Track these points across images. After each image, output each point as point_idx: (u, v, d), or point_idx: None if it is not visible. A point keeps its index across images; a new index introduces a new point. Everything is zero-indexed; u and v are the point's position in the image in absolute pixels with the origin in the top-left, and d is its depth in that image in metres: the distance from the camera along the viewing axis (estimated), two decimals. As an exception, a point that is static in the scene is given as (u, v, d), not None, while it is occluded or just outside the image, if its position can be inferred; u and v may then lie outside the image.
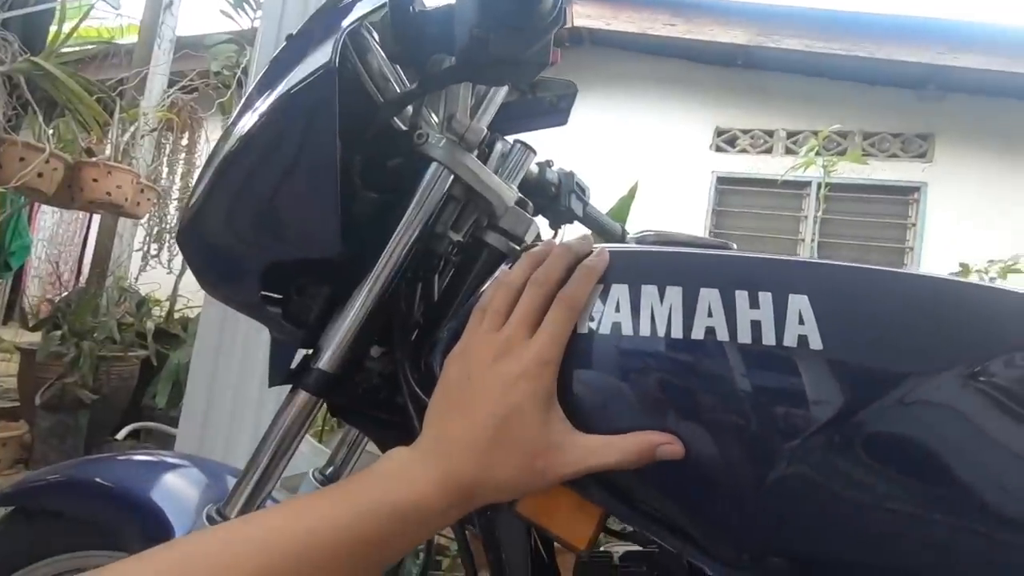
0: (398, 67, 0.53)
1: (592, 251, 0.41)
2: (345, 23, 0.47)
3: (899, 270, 0.40)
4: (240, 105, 0.52)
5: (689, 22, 3.66)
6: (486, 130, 0.49)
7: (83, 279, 3.19)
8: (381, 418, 0.53)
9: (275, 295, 0.50)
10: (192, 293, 2.77)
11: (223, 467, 0.68)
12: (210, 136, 2.77)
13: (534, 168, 0.67)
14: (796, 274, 0.38)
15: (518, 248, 0.52)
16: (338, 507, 0.34)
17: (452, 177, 0.49)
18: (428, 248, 0.51)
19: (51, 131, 2.04)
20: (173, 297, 2.76)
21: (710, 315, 0.37)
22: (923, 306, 0.38)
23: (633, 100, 4.00)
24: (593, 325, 0.39)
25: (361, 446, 0.65)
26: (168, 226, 2.89)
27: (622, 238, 0.73)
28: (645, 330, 0.38)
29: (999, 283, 2.08)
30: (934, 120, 3.55)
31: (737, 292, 0.37)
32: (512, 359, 0.37)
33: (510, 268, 0.43)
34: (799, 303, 0.37)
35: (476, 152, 0.50)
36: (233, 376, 1.32)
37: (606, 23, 3.80)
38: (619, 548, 0.53)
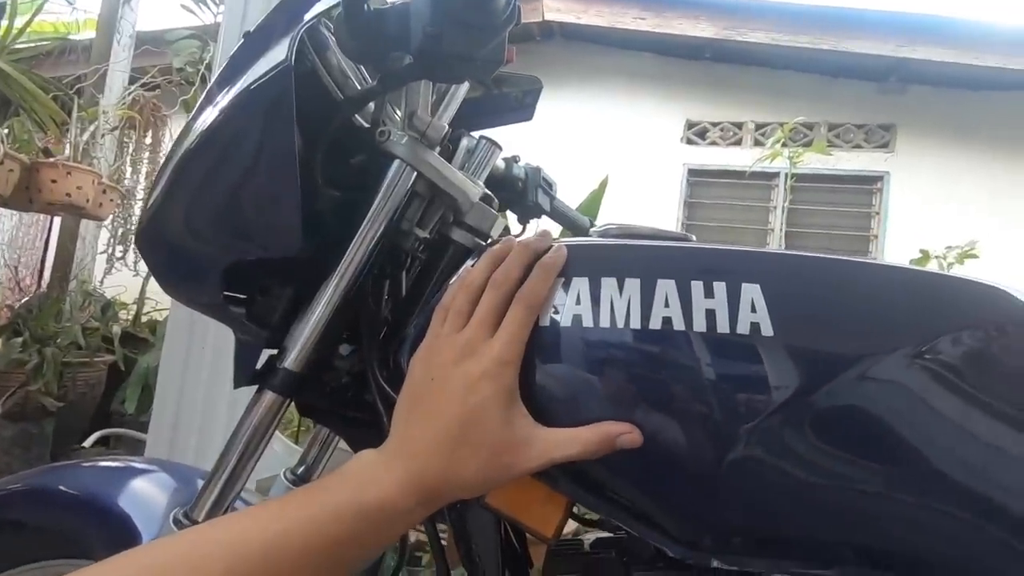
0: (359, 65, 0.53)
1: (550, 248, 0.42)
2: (303, 20, 0.47)
3: (847, 258, 0.42)
4: (200, 102, 0.51)
5: (658, 16, 3.69)
6: (448, 127, 0.50)
7: (45, 284, 3.09)
8: (351, 416, 0.53)
9: (238, 295, 0.50)
10: (160, 295, 2.71)
11: (193, 470, 0.67)
12: (174, 134, 2.70)
13: (500, 164, 0.68)
14: (748, 264, 0.40)
15: (484, 244, 0.53)
16: (306, 509, 0.35)
17: (415, 174, 0.49)
18: (394, 245, 0.51)
19: (5, 131, 1.97)
20: (140, 300, 2.69)
21: (667, 305, 0.38)
22: (870, 292, 0.40)
23: (605, 94, 4.02)
24: (555, 318, 0.40)
25: (333, 445, 0.65)
26: (132, 227, 2.81)
27: (588, 232, 0.74)
28: (605, 321, 0.39)
29: (956, 268, 2.16)
30: (895, 111, 3.66)
31: (693, 282, 0.39)
32: (473, 360, 0.38)
33: (473, 265, 0.44)
34: (751, 292, 0.38)
35: (439, 149, 0.50)
36: (204, 378, 1.30)
37: (576, 17, 3.81)
38: (590, 536, 0.54)
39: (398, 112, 0.54)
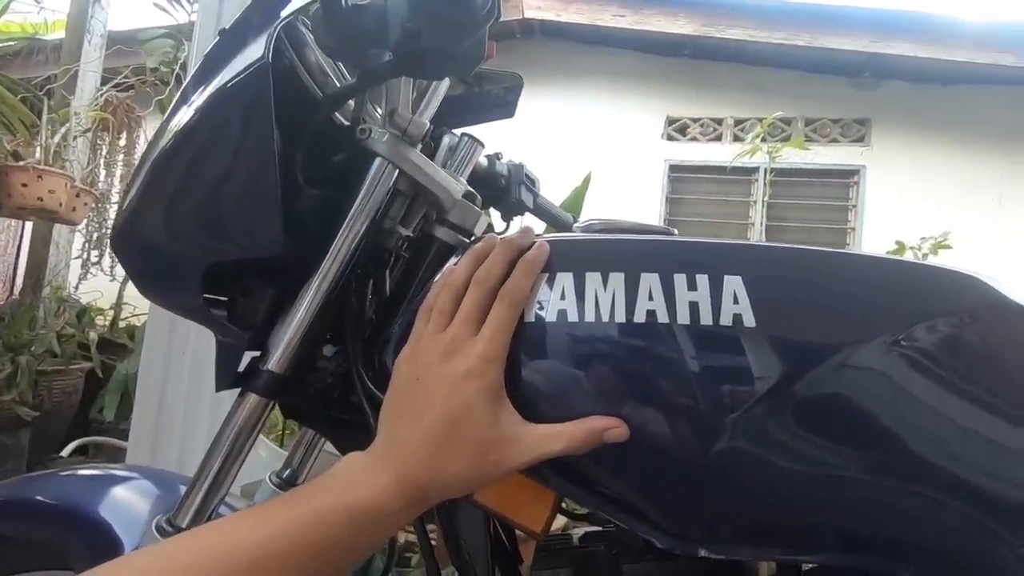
0: (338, 62, 0.53)
1: (533, 244, 0.42)
2: (279, 17, 0.46)
3: (827, 249, 0.42)
4: (175, 101, 0.50)
5: (637, 13, 3.72)
6: (429, 124, 0.49)
7: (17, 291, 3.01)
8: (337, 418, 0.53)
9: (219, 297, 0.49)
10: (138, 300, 2.66)
11: (175, 476, 0.66)
12: (149, 136, 2.64)
13: (483, 161, 0.67)
14: (730, 256, 0.40)
15: (468, 241, 0.53)
16: (293, 513, 0.34)
17: (397, 172, 0.49)
18: (377, 244, 0.50)
19: (-28, 134, 1.92)
20: (117, 305, 2.64)
21: (651, 299, 0.38)
22: (849, 281, 0.41)
23: (585, 91, 4.03)
24: (540, 313, 0.40)
25: (318, 447, 0.65)
26: (108, 231, 2.75)
27: (571, 228, 0.75)
28: (590, 316, 0.39)
29: (931, 258, 2.21)
30: (870, 106, 3.72)
31: (676, 275, 0.39)
32: (458, 358, 0.38)
33: (456, 264, 0.44)
34: (734, 284, 0.38)
35: (420, 146, 0.50)
36: (184, 383, 1.28)
37: (556, 14, 3.82)
38: (579, 530, 0.55)
39: (379, 110, 0.53)
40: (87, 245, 2.76)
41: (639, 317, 0.38)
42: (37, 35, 2.77)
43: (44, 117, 2.18)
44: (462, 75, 0.53)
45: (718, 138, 3.91)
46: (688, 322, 0.38)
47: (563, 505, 0.52)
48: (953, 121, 3.59)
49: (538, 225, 0.75)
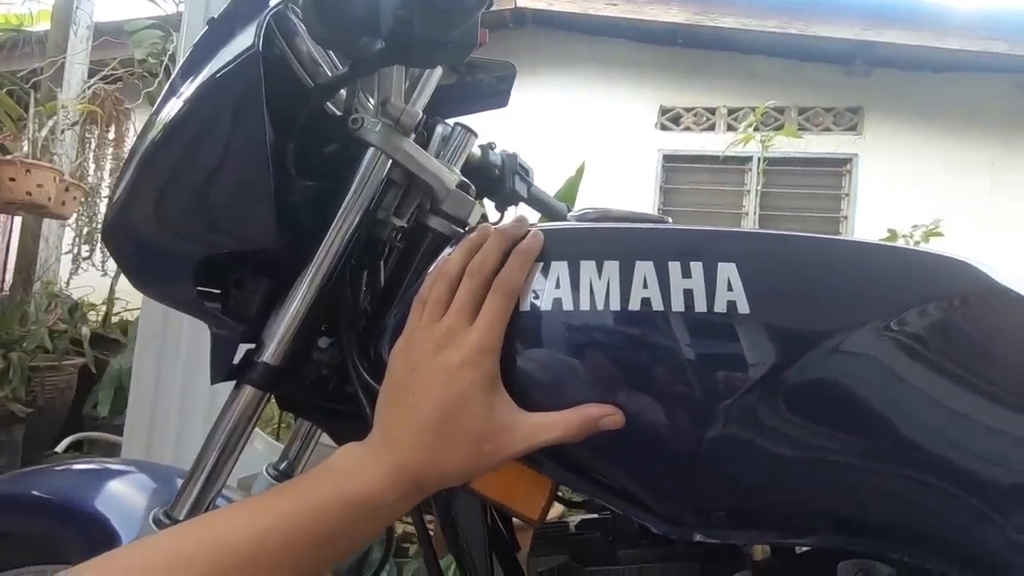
0: (329, 51, 0.52)
1: (527, 234, 0.42)
2: (269, 5, 0.46)
3: (820, 236, 0.43)
4: (164, 92, 0.50)
5: (630, 2, 3.69)
6: (422, 113, 0.49)
7: (7, 286, 2.99)
8: (333, 409, 0.53)
9: (212, 290, 0.49)
10: (130, 295, 2.64)
11: (172, 470, 0.66)
12: (138, 128, 2.61)
13: (476, 151, 0.67)
14: (724, 243, 0.40)
15: (462, 231, 0.53)
16: (289, 504, 0.35)
17: (390, 162, 0.48)
18: (371, 234, 0.50)
19: (-43, 128, 1.89)
20: (110, 300, 2.62)
21: (645, 286, 0.39)
22: (842, 267, 0.41)
23: (578, 81, 4.01)
24: (535, 302, 0.40)
25: (314, 439, 0.65)
26: (98, 226, 2.72)
27: (566, 218, 0.75)
28: (585, 304, 0.39)
29: (922, 246, 2.22)
30: (862, 94, 3.73)
31: (670, 263, 0.39)
32: (453, 349, 0.38)
33: (450, 254, 0.44)
34: (728, 271, 0.39)
35: (414, 135, 0.50)
36: (179, 377, 1.27)
37: (548, 3, 3.79)
38: (575, 518, 0.55)
39: (371, 99, 0.53)
40: (77, 240, 2.74)
41: (634, 305, 0.39)
42: (22, 27, 2.72)
43: (31, 110, 2.15)
44: (455, 63, 0.53)
45: (711, 127, 3.90)
46: (683, 309, 0.38)
47: (559, 493, 0.53)
48: (945, 109, 3.60)
49: (532, 215, 0.74)
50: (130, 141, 2.65)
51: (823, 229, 3.65)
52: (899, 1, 3.48)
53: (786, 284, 0.40)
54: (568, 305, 0.39)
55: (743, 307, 0.38)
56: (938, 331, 0.39)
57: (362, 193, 0.48)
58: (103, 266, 2.76)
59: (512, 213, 0.73)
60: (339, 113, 0.50)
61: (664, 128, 3.97)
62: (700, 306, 0.38)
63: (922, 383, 0.39)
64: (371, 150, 0.48)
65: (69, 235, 2.78)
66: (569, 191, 1.73)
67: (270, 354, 0.46)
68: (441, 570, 0.54)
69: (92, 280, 2.71)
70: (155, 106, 0.49)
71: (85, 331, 2.34)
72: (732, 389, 0.38)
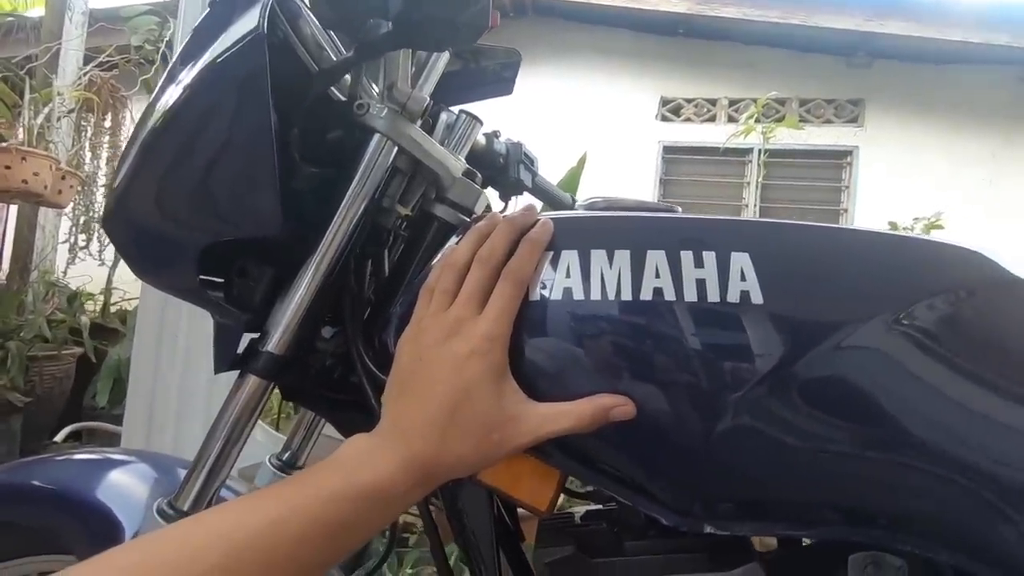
0: (333, 34, 0.51)
1: (536, 222, 0.41)
2: (272, -13, 0.45)
3: (832, 226, 0.42)
4: (163, 78, 0.49)
5: (631, -9, 3.66)
6: (429, 99, 0.48)
7: (4, 275, 2.97)
8: (337, 399, 0.52)
9: (215, 279, 0.48)
10: (128, 285, 2.62)
11: (173, 460, 0.65)
12: (135, 116, 2.58)
13: (481, 139, 0.66)
14: (738, 233, 0.40)
15: (468, 220, 0.52)
16: (301, 495, 0.34)
17: (396, 149, 0.48)
18: (376, 223, 0.49)
19: (-48, 115, 1.87)
20: (108, 290, 2.61)
21: (657, 276, 0.38)
22: (855, 258, 0.41)
23: (579, 71, 3.98)
24: (545, 292, 0.39)
25: (318, 429, 0.64)
26: (96, 215, 2.70)
27: (571, 208, 0.74)
28: (596, 294, 0.38)
29: (932, 235, 2.22)
30: (864, 86, 3.71)
31: (683, 252, 0.38)
32: (461, 338, 0.38)
33: (458, 242, 0.43)
34: (741, 260, 0.38)
35: (420, 122, 0.49)
36: (178, 367, 1.27)
37: (549, -8, 3.75)
38: (581, 509, 0.55)
39: (376, 85, 0.52)
40: (74, 229, 2.72)
41: (645, 295, 0.38)
42: (16, 12, 2.68)
43: (26, 97, 2.13)
44: (465, 45, 0.52)
45: (712, 119, 3.88)
46: (695, 299, 0.38)
47: (583, 490, 0.52)
48: (946, 101, 3.59)
49: (536, 204, 0.74)
50: (127, 129, 2.62)
51: (823, 221, 3.64)
52: (901, -8, 3.46)
53: (800, 274, 0.39)
54: (579, 295, 0.39)
55: (756, 297, 0.37)
56: (949, 323, 0.39)
57: (367, 180, 0.47)
58: (100, 256, 2.74)
59: (516, 202, 0.73)
60: (344, 98, 0.49)
61: (665, 119, 3.95)
62: (713, 296, 0.38)
63: (933, 376, 0.38)
64: (376, 136, 0.47)
65: (66, 224, 2.76)
66: (571, 181, 1.72)
67: (274, 343, 0.45)
68: (447, 559, 0.53)
69: (89, 269, 2.70)
70: (155, 91, 0.48)
71: (84, 320, 2.33)
72: (743, 380, 0.38)
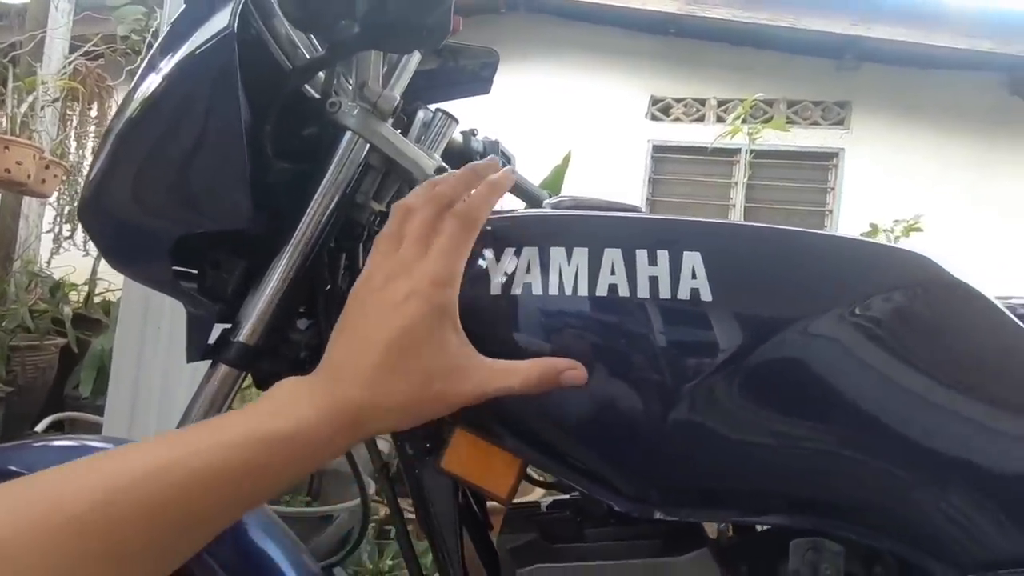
0: (308, 34, 0.52)
1: (497, 170, 0.40)
2: (246, -15, 0.46)
3: (783, 227, 0.44)
4: (142, 69, 0.49)
5: (623, -11, 3.67)
6: (399, 98, 0.49)
7: (-14, 265, 2.94)
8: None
9: (189, 270, 0.49)
10: (113, 276, 2.61)
11: (150, 449, 0.66)
12: (122, 106, 2.56)
13: (458, 137, 0.67)
14: (690, 233, 0.41)
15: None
16: (202, 439, 0.31)
17: (368, 146, 0.49)
18: (350, 218, 0.51)
19: (-67, 102, 1.85)
20: (92, 280, 2.59)
21: (613, 273, 0.40)
22: (803, 258, 0.43)
23: (570, 68, 4.00)
24: (505, 286, 0.41)
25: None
26: (81, 205, 2.67)
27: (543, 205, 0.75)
28: (554, 289, 0.40)
29: (903, 240, 2.26)
30: (851, 89, 3.75)
31: (637, 251, 0.40)
32: (402, 279, 0.35)
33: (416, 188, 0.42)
34: (693, 259, 0.40)
35: (392, 120, 0.50)
36: (161, 358, 1.27)
37: (541, -11, 3.76)
38: (548, 499, 0.57)
39: (350, 83, 0.53)
40: (58, 219, 2.70)
41: (601, 291, 0.40)
42: (0, -1, 2.65)
43: (9, 85, 2.11)
44: (429, 48, 0.53)
45: (701, 119, 3.91)
46: (648, 296, 0.39)
47: (535, 475, 0.54)
48: (931, 105, 3.64)
49: (514, 202, 0.75)
50: (113, 119, 2.59)
51: (808, 223, 3.69)
52: (889, -3, 3.50)
53: (749, 273, 0.41)
54: (537, 290, 0.40)
55: (706, 295, 0.39)
56: (891, 321, 0.41)
57: (339, 176, 0.48)
58: (85, 246, 2.72)
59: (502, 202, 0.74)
60: (317, 96, 0.50)
61: (655, 118, 3.97)
62: (665, 293, 0.39)
63: (873, 371, 0.40)
64: (348, 134, 0.48)
65: (50, 214, 2.74)
66: (555, 179, 1.74)
67: (245, 334, 0.47)
68: (415, 554, 0.55)
69: (73, 260, 2.68)
70: (133, 83, 0.49)
71: (67, 311, 2.31)
72: (695, 373, 0.40)
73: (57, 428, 1.90)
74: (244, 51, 0.43)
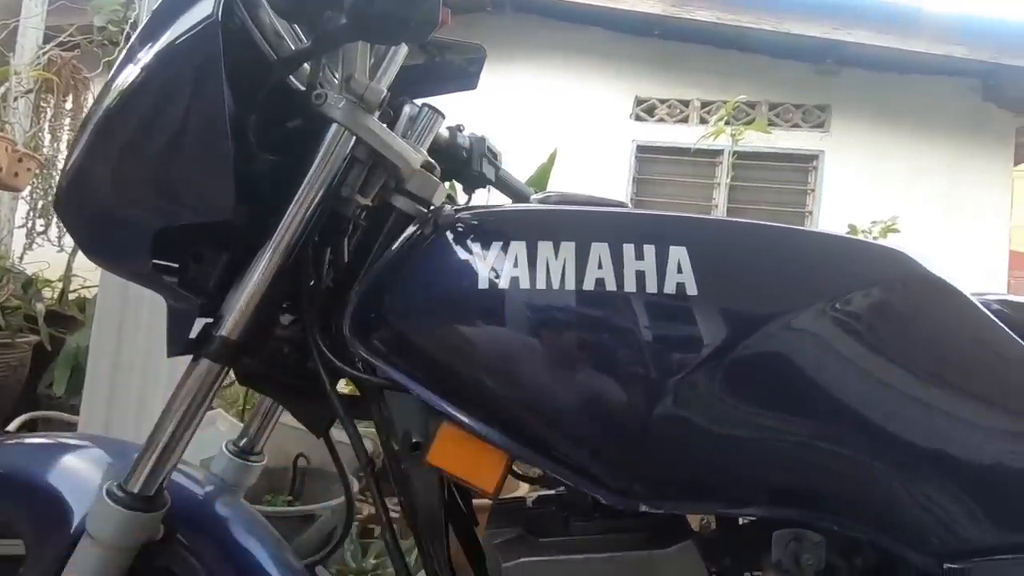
0: (294, 24, 0.51)
1: None
2: (231, -26, 0.45)
3: (768, 223, 0.45)
4: (121, 59, 0.48)
5: (609, -10, 3.69)
6: (386, 90, 0.49)
7: (-44, 260, 2.85)
8: (293, 385, 0.53)
9: (170, 264, 0.48)
10: (89, 272, 2.55)
11: (129, 445, 0.65)
12: (99, 99, 2.49)
13: (445, 133, 0.67)
14: (677, 228, 0.42)
15: (425, 211, 0.53)
16: None
17: (354, 139, 0.48)
18: (335, 212, 0.50)
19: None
20: (67, 277, 2.52)
21: (600, 267, 0.40)
22: (787, 254, 0.43)
23: (556, 68, 4.00)
24: (494, 280, 0.41)
25: (275, 416, 0.65)
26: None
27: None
28: (541, 283, 0.40)
29: (880, 241, 2.30)
30: (831, 92, 3.82)
31: (625, 245, 0.40)
32: None
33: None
34: (679, 254, 0.40)
35: (378, 113, 0.50)
36: (139, 355, 1.24)
37: (527, -12, 3.76)
38: (533, 494, 0.57)
39: (336, 75, 0.53)
40: (32, 214, 2.62)
41: (588, 285, 0.40)
42: (-29, -14, 2.57)
43: (-20, 75, 2.05)
44: (417, 40, 0.53)
45: (685, 120, 3.95)
46: (634, 290, 0.40)
47: (529, 473, 0.54)
48: (909, 110, 3.72)
49: (500, 199, 0.75)
50: (89, 112, 2.53)
51: (788, 223, 3.74)
52: (868, 2, 3.57)
53: (734, 268, 0.41)
54: (525, 284, 0.40)
55: (691, 289, 0.40)
56: (872, 315, 0.42)
57: (324, 169, 0.47)
58: (60, 242, 2.65)
59: (480, 196, 0.74)
60: (302, 88, 0.49)
61: (639, 119, 4.00)
62: (651, 287, 0.40)
63: (856, 365, 0.41)
64: (334, 126, 0.47)
65: (23, 208, 2.66)
66: (541, 178, 1.74)
67: (228, 328, 0.46)
68: (401, 550, 0.55)
69: (47, 256, 2.61)
70: (112, 72, 0.48)
71: (40, 307, 2.25)
72: (680, 367, 0.40)
73: (30, 427, 1.85)
74: (228, 41, 0.42)
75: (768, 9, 3.54)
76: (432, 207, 0.53)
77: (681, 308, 0.40)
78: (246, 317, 0.46)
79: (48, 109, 2.45)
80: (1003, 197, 3.62)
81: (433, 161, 0.56)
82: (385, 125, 0.51)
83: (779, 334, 0.40)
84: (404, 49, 0.53)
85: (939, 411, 0.42)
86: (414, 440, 0.47)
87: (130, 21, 2.20)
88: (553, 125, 3.70)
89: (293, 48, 0.49)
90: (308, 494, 1.39)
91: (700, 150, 3.22)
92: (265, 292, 0.47)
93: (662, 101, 3.99)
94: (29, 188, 2.45)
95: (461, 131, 0.70)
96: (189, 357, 0.47)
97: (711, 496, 0.44)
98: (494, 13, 3.97)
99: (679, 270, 0.40)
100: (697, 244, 0.41)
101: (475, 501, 0.60)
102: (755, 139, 2.90)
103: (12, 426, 1.63)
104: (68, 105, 2.50)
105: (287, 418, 0.61)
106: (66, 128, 2.52)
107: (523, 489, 1.07)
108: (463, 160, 0.69)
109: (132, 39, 0.49)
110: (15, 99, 2.13)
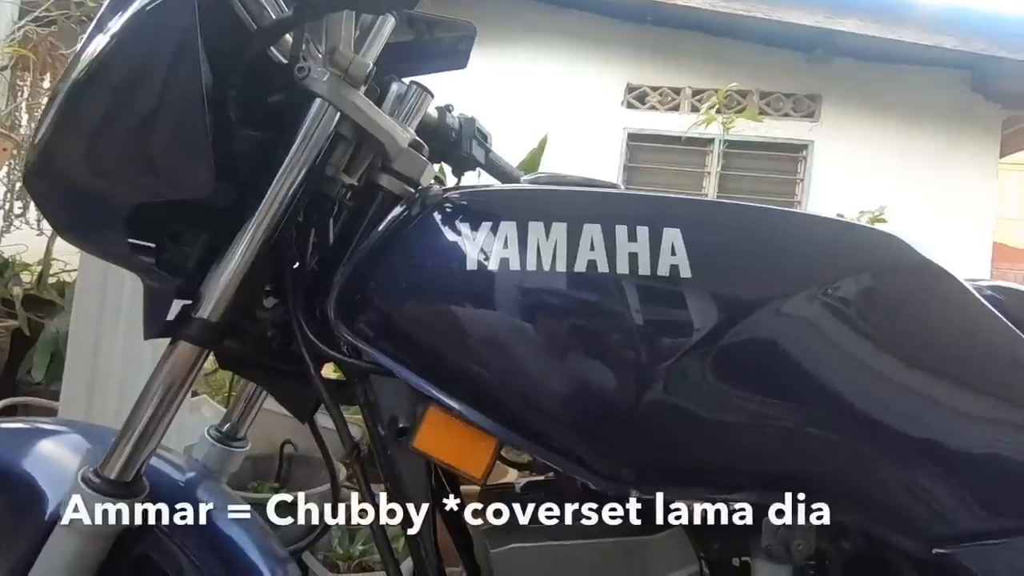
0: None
1: None
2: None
3: (762, 206, 0.44)
4: (90, 28, 0.46)
5: (601, -25, 3.65)
6: (372, 65, 0.47)
7: (-70, 243, 2.77)
8: (277, 369, 0.52)
9: (147, 244, 0.47)
10: (69, 256, 2.49)
11: (108, 431, 0.63)
12: (77, 78, 2.42)
13: (434, 113, 0.65)
14: (671, 210, 0.41)
15: (413, 191, 0.52)
16: None
17: (339, 115, 0.47)
18: (320, 191, 0.49)
19: None
20: (46, 260, 2.47)
21: (592, 248, 0.39)
22: (782, 237, 0.43)
23: (548, 53, 3.96)
24: (483, 262, 0.40)
25: (259, 401, 0.63)
26: (33, 181, 2.54)
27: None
28: (532, 264, 0.39)
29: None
30: (822, 82, 3.82)
31: (617, 227, 0.39)
32: None
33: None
34: (672, 236, 0.39)
35: (364, 88, 0.48)
36: (120, 340, 1.22)
37: (519, -29, 3.70)
38: (522, 480, 0.56)
39: (320, 48, 0.51)
40: (8, 195, 2.56)
41: (580, 267, 0.39)
42: (-59, -42, 2.47)
43: (-48, 51, 1.98)
44: (405, 8, 0.50)
45: (676, 108, 3.93)
46: (627, 272, 0.39)
47: (518, 459, 0.53)
48: (898, 100, 3.74)
49: (490, 181, 0.74)
50: (68, 91, 2.46)
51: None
52: (861, -10, 3.56)
53: (728, 250, 0.41)
54: (515, 265, 0.39)
55: (685, 271, 0.39)
56: (865, 300, 0.41)
57: (308, 146, 0.46)
58: (39, 225, 2.59)
59: (469, 177, 0.72)
60: (285, 60, 0.47)
61: (631, 106, 3.97)
62: (644, 269, 0.39)
63: (848, 349, 0.41)
64: (317, 101, 0.46)
65: (0, 189, 2.60)
66: (531, 164, 1.72)
67: (207, 309, 0.44)
68: (388, 537, 0.54)
69: (25, 238, 2.55)
70: (81, 42, 0.45)
71: (17, 292, 2.21)
72: (672, 351, 0.39)
73: (10, 413, 1.82)
74: (205, 9, 0.40)
75: (761, -4, 3.52)
76: (419, 187, 0.52)
77: (674, 291, 0.39)
78: (226, 299, 0.45)
79: (24, 87, 2.38)
80: (989, 189, 3.67)
81: (421, 141, 0.54)
82: (372, 102, 0.49)
83: (771, 319, 0.40)
84: (391, 21, 0.51)
85: (931, 397, 0.42)
86: (401, 425, 0.46)
87: (109, -4, 2.13)
88: (544, 110, 3.67)
89: (274, 17, 0.47)
90: (295, 481, 1.39)
91: (691, 138, 3.22)
92: (246, 273, 0.45)
93: (654, 88, 3.97)
94: (6, 169, 2.39)
95: (450, 111, 0.68)
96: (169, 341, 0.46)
97: (701, 481, 0.43)
98: (485, -4, 3.91)
99: (673, 252, 0.39)
100: (691, 226, 0.40)
101: (463, 487, 0.60)
102: (746, 128, 2.90)
103: (-10, 412, 1.59)
104: (45, 83, 2.42)
105: (273, 404, 0.59)
106: (43, 106, 2.45)
107: (512, 475, 1.07)
108: (452, 141, 0.67)
109: (103, 6, 0.46)
110: (-11, 76, 2.07)
